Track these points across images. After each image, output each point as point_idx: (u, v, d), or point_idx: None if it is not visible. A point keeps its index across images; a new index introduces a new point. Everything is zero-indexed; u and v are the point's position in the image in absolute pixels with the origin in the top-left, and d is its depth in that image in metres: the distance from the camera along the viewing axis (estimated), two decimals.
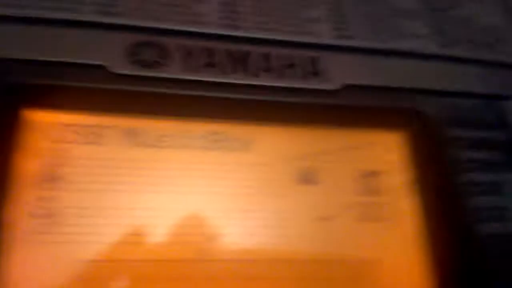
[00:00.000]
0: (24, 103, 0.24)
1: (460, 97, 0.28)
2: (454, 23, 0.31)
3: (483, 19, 0.31)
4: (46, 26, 0.24)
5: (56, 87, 0.24)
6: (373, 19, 0.30)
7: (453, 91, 0.28)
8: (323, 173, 0.26)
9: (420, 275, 0.25)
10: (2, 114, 0.23)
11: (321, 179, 0.26)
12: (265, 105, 0.26)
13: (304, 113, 0.26)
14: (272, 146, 0.26)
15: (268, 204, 0.25)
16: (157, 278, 0.23)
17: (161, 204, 0.24)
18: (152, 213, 0.24)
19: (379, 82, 0.27)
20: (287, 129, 0.27)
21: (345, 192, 0.26)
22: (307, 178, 0.26)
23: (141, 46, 0.25)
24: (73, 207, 0.23)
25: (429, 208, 0.26)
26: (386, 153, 0.27)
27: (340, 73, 0.27)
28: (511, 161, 0.27)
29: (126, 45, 0.25)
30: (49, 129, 0.24)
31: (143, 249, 0.23)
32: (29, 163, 0.23)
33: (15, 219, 0.22)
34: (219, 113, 0.26)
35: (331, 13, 0.29)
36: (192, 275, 0.23)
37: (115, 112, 0.25)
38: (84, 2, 0.26)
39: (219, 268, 0.23)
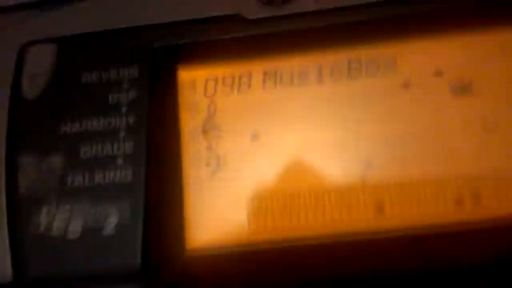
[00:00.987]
0: (180, 63, 0.26)
1: None
2: None
3: None
4: None
5: (204, 43, 0.25)
6: None
7: None
8: (483, 82, 0.24)
9: None
10: (163, 75, 0.26)
11: (482, 88, 0.24)
12: (407, 18, 0.24)
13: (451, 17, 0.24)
14: (418, 61, 0.25)
15: (426, 124, 0.24)
16: (321, 209, 0.24)
17: (314, 139, 0.25)
18: (307, 149, 0.25)
19: None
20: (433, 41, 0.25)
21: (507, 97, 0.24)
22: (464, 89, 0.24)
23: None
24: (233, 153, 0.25)
25: None
26: None
27: None
28: None
29: None
30: (202, 84, 0.26)
31: (306, 182, 0.24)
32: (189, 117, 0.26)
33: (186, 169, 0.25)
34: (358, 37, 0.25)
35: None
36: (355, 204, 0.24)
37: (257, 57, 0.26)
38: None
39: (383, 194, 0.24)
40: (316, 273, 0.22)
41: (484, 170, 0.23)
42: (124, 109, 0.24)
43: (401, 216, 0.23)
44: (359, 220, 0.23)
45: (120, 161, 0.23)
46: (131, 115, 0.24)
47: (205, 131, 0.26)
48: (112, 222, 0.22)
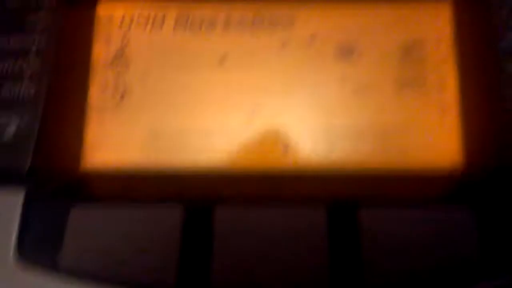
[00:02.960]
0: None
1: None
2: None
3: None
4: None
5: None
6: None
7: None
8: (364, 49, 0.27)
9: (452, 145, 0.26)
10: (84, 7, 0.28)
11: (361, 55, 0.27)
12: None
13: None
14: (314, 23, 0.28)
15: (308, 80, 0.27)
16: (210, 145, 0.27)
17: (212, 81, 0.27)
18: (204, 89, 0.27)
19: None
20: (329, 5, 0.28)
21: (383, 64, 0.27)
22: (346, 52, 0.27)
23: None
24: (140, 84, 0.28)
25: (469, 79, 0.26)
26: (430, 23, 0.27)
27: None
28: None
29: None
30: (118, 19, 0.28)
31: (203, 116, 0.27)
32: (102, 48, 0.28)
33: (93, 95, 0.27)
34: None
35: None
36: (240, 144, 0.27)
37: (173, 1, 0.28)
38: None
39: (266, 133, 0.27)
40: (203, 202, 0.25)
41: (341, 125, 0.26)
42: (38, 31, 0.26)
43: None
44: (245, 159, 0.27)
45: (26, 78, 0.25)
46: (43, 37, 0.26)
47: (114, 62, 0.28)
48: (10, 131, 0.24)
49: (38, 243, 0.23)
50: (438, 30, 0.28)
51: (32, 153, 0.24)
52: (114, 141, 0.27)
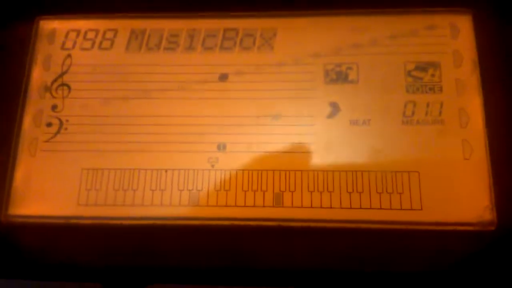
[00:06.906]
0: (40, 12, 0.24)
1: None
2: None
3: None
4: None
5: None
6: None
7: None
8: (361, 69, 0.22)
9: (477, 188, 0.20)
10: (21, 24, 0.23)
11: (359, 76, 0.22)
12: None
13: None
14: (297, 40, 0.22)
15: (296, 108, 0.22)
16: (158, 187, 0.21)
17: (172, 111, 0.22)
18: (163, 120, 0.22)
19: None
20: (315, 19, 0.22)
21: (388, 90, 0.21)
22: (340, 76, 0.22)
23: None
24: (80, 115, 0.22)
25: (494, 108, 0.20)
26: (444, 40, 0.22)
27: None
28: None
29: None
30: (61, 37, 0.23)
31: (153, 158, 0.22)
32: (41, 72, 0.23)
33: (25, 128, 0.22)
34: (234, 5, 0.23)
35: None
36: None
37: (124, 12, 0.23)
38: None
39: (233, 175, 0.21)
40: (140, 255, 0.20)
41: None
42: None
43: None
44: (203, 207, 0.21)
45: None
46: None
47: (54, 89, 0.23)
48: None
49: None
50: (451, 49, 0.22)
51: None
52: (47, 184, 0.21)
